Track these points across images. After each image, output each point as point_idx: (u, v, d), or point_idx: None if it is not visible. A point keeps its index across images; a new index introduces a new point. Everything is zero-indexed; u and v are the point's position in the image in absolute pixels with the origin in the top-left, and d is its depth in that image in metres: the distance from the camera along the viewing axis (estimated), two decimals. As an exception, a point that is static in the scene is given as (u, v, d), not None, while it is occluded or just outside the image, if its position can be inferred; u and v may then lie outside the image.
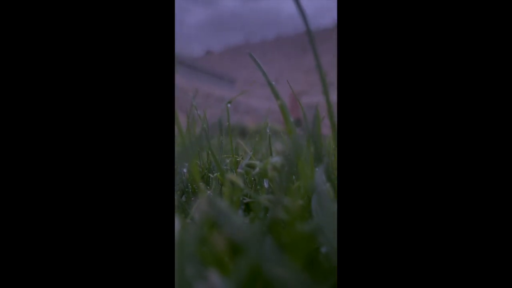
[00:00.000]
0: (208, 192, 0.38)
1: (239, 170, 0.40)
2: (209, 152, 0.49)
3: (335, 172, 0.28)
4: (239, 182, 0.29)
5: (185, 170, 0.45)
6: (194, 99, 0.52)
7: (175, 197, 0.34)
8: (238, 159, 0.49)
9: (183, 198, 0.40)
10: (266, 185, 0.37)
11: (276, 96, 0.33)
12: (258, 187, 0.38)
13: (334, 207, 0.24)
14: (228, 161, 0.54)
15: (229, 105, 0.49)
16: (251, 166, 0.37)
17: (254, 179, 0.39)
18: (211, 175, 0.45)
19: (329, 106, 0.28)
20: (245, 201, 0.34)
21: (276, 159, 0.33)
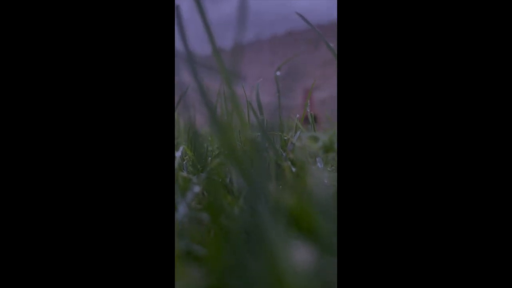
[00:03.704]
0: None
1: (289, 149, 0.34)
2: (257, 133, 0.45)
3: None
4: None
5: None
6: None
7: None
8: (285, 138, 0.43)
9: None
10: (320, 165, 0.32)
11: (325, 42, 0.31)
12: (313, 167, 0.32)
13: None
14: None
15: (278, 72, 0.46)
16: (313, 139, 0.32)
17: (307, 159, 0.34)
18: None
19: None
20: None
21: None
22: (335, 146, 0.29)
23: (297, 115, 0.50)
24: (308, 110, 0.50)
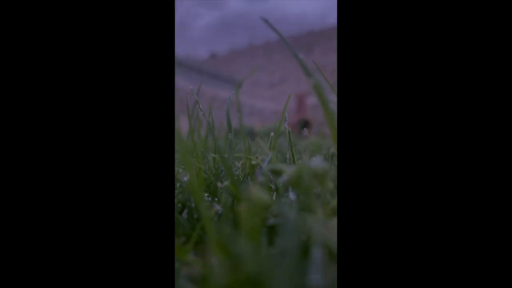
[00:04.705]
0: (217, 207, 0.32)
1: (257, 177, 0.31)
2: (217, 153, 0.41)
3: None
4: (264, 196, 0.21)
5: (187, 178, 0.39)
6: (198, 96, 0.46)
7: (175, 213, 0.30)
8: (253, 162, 0.39)
9: (184, 215, 0.35)
10: (292, 196, 0.29)
11: (308, 73, 0.27)
12: (283, 199, 0.30)
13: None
14: (239, 164, 0.46)
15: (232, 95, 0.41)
16: (276, 172, 0.29)
17: (276, 189, 0.31)
18: (219, 183, 0.38)
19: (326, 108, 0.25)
20: (269, 223, 0.26)
21: (317, 162, 0.25)
22: (304, 181, 0.25)
23: (272, 133, 0.45)
24: (286, 127, 0.44)
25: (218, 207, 0.31)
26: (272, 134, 0.43)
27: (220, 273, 0.17)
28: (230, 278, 0.16)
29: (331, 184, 0.25)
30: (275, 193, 0.33)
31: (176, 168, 0.44)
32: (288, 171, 0.27)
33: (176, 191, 0.38)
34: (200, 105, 0.45)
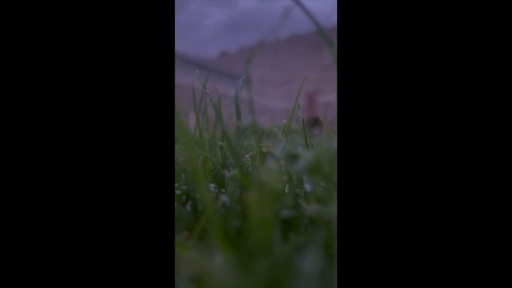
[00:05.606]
0: (223, 198, 0.29)
1: (269, 163, 0.28)
2: (224, 141, 0.38)
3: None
4: (276, 181, 0.17)
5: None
6: (206, 83, 0.43)
7: (176, 205, 0.28)
8: (264, 150, 0.35)
9: (188, 207, 0.32)
10: (308, 188, 0.25)
11: (330, 43, 0.25)
12: (297, 190, 0.26)
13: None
14: (248, 156, 0.43)
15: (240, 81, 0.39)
16: (292, 158, 0.26)
17: (290, 179, 0.27)
18: (227, 172, 0.35)
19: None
20: (283, 215, 0.23)
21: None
22: (323, 166, 0.22)
23: (284, 121, 0.41)
24: (300, 115, 0.40)
25: (225, 198, 0.28)
26: (284, 121, 0.39)
27: (225, 273, 0.14)
28: (238, 278, 0.13)
29: None
30: (287, 185, 0.29)
31: (181, 158, 0.41)
32: (306, 155, 0.23)
33: (180, 182, 0.35)
34: (207, 90, 0.43)
